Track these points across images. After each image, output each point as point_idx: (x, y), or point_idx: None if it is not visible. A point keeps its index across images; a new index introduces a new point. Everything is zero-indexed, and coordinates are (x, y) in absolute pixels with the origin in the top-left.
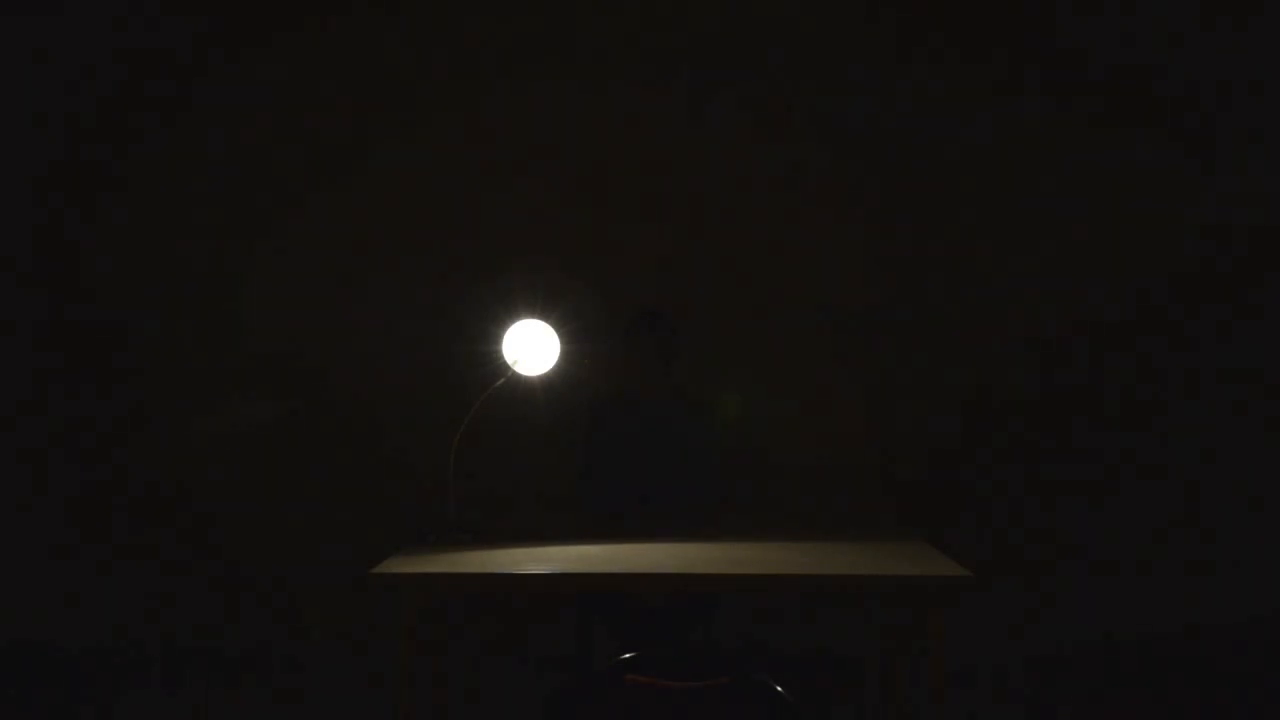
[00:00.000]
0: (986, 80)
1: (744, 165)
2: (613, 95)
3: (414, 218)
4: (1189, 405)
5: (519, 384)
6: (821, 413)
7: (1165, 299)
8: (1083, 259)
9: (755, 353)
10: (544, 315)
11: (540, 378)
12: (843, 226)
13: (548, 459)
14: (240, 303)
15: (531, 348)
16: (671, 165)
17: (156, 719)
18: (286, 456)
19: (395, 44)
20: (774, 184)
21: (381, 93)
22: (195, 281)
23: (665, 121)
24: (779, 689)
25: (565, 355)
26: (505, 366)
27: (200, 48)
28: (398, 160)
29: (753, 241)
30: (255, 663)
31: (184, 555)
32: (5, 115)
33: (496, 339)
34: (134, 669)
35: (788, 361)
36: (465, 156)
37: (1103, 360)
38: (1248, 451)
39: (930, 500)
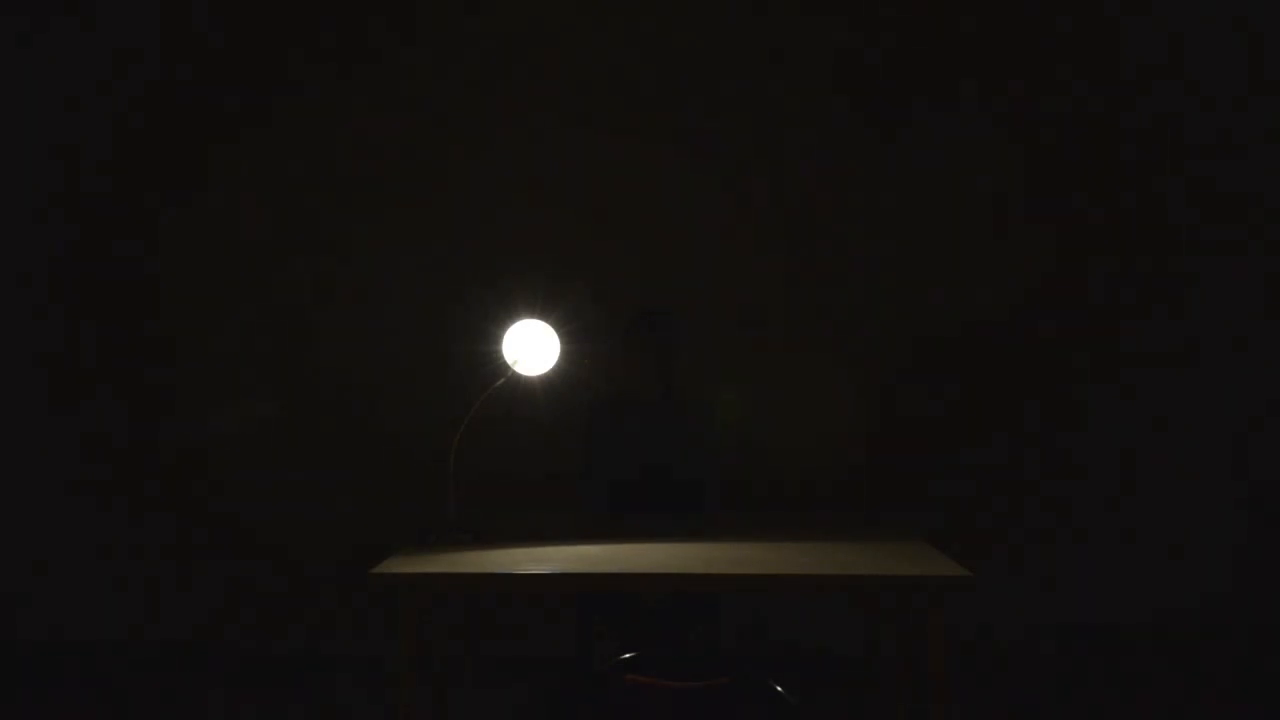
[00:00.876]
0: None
1: (745, 165)
2: (614, 97)
3: (415, 218)
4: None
5: (519, 384)
6: (821, 412)
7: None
8: (1074, 252)
9: (755, 353)
10: (544, 315)
11: (540, 378)
12: (842, 226)
13: (548, 460)
14: (240, 303)
15: (531, 348)
16: (673, 165)
17: (156, 718)
18: (286, 456)
19: (403, 51)
20: (775, 183)
21: (384, 94)
22: (193, 281)
23: (667, 122)
24: (779, 689)
25: (565, 355)
26: (505, 366)
27: (210, 61)
28: (399, 161)
29: (752, 241)
30: (256, 663)
31: (184, 556)
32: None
33: (496, 339)
34: (133, 668)
35: (787, 361)
36: (466, 157)
37: (1101, 355)
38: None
39: (929, 498)
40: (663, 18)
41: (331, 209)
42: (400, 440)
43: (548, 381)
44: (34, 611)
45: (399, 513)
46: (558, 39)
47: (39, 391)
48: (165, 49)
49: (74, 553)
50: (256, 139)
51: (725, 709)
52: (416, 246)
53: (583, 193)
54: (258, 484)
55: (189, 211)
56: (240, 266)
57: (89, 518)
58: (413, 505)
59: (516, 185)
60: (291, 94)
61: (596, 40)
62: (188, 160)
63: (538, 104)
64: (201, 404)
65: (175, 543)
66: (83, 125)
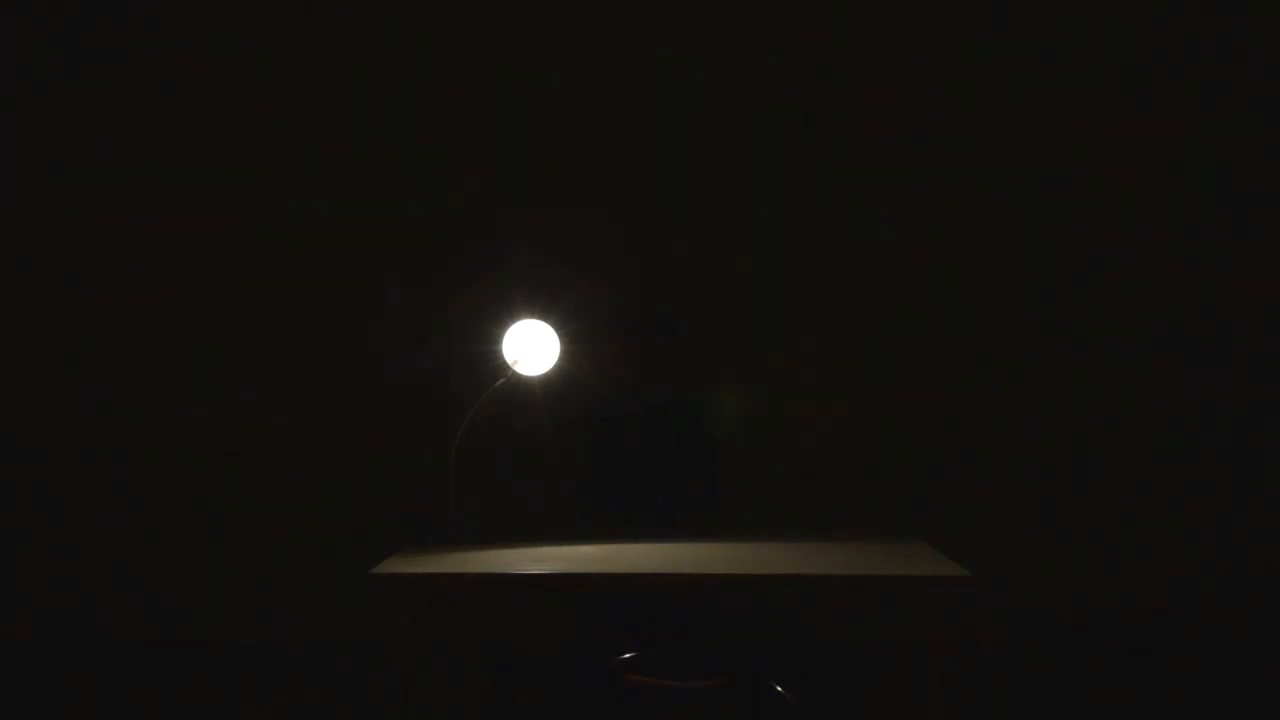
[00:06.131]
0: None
1: (746, 164)
2: (617, 96)
3: (415, 217)
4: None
5: (519, 384)
6: (821, 412)
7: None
8: (1082, 252)
9: (755, 352)
10: (544, 315)
11: (540, 378)
12: (842, 226)
13: (548, 459)
14: (239, 303)
15: (531, 348)
16: (675, 166)
17: (155, 718)
18: (286, 456)
19: (398, 40)
20: (776, 184)
21: (382, 91)
22: (193, 281)
23: (670, 122)
24: (779, 689)
25: (565, 355)
26: (505, 366)
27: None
28: (398, 159)
29: (754, 241)
30: (255, 663)
31: (183, 555)
32: None
33: (496, 339)
34: (132, 668)
35: (787, 361)
36: (467, 156)
37: (1105, 355)
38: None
39: (930, 498)
40: (666, 13)
41: (331, 208)
42: (400, 440)
43: (548, 381)
44: (32, 614)
45: (399, 513)
46: (564, 37)
47: (35, 388)
48: None
49: (69, 555)
50: (247, 131)
51: (725, 709)
52: (416, 245)
53: (585, 191)
54: (255, 485)
55: (185, 208)
56: (238, 265)
57: (83, 519)
58: (413, 505)
59: (519, 183)
60: (287, 83)
61: (604, 38)
62: (182, 153)
63: (541, 102)
64: (197, 406)
65: (171, 544)
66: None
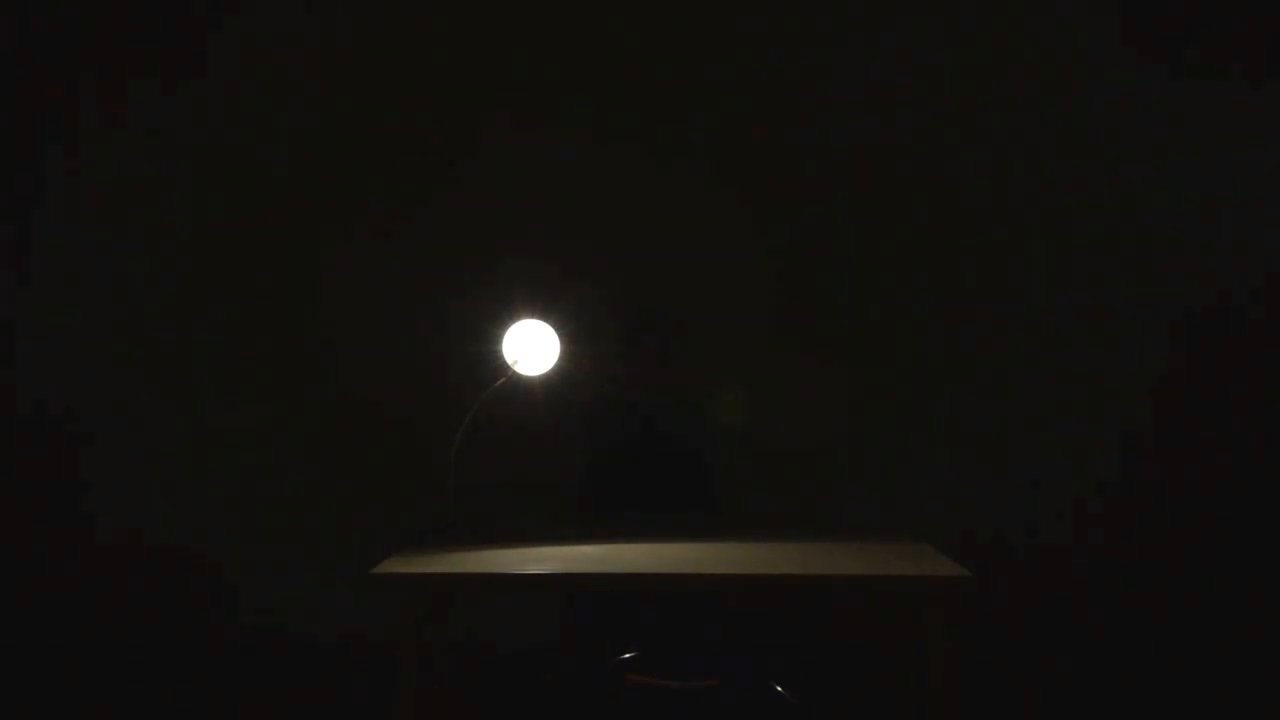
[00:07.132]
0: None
1: (745, 166)
2: (615, 97)
3: (413, 217)
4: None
5: (519, 384)
6: (821, 412)
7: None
8: (1080, 252)
9: (756, 351)
10: (544, 315)
11: (540, 378)
12: (841, 226)
13: (548, 459)
14: (238, 303)
15: (531, 348)
16: (674, 166)
17: (155, 718)
18: (285, 456)
19: (400, 48)
20: (773, 186)
21: (382, 92)
22: (193, 281)
23: (668, 121)
24: (779, 689)
25: (565, 355)
26: (505, 366)
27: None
28: (397, 160)
29: (753, 241)
30: (255, 663)
31: (182, 555)
32: None
33: (496, 339)
34: (131, 667)
35: (787, 361)
36: (466, 154)
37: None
38: None
39: (930, 498)
40: (667, 16)
41: (330, 208)
42: (400, 440)
43: (548, 381)
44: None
45: (399, 513)
46: (564, 39)
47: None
48: None
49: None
50: (249, 134)
51: (725, 709)
52: (416, 246)
53: (585, 191)
54: (255, 484)
55: (187, 207)
56: (238, 265)
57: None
58: (413, 505)
59: (517, 184)
60: (288, 86)
61: (598, 38)
62: (186, 156)
63: (538, 101)
64: (196, 405)
65: (171, 544)
66: None
